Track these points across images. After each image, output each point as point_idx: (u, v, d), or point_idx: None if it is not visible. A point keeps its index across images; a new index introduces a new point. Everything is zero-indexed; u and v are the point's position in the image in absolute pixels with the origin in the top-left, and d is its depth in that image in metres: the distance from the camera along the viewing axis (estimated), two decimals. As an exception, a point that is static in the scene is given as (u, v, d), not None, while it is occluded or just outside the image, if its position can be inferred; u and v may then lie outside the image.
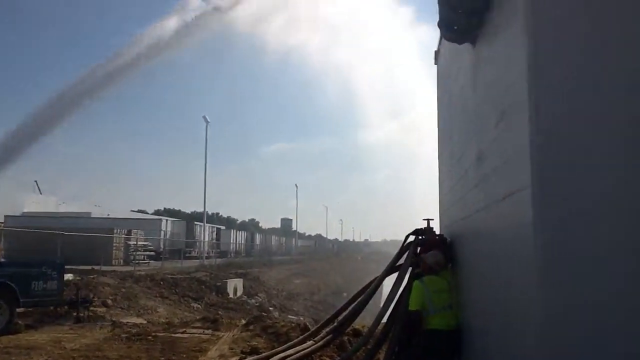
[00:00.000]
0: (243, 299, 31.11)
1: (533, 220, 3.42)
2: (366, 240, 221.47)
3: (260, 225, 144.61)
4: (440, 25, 6.07)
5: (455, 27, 6.04)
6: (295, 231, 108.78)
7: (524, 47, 3.64)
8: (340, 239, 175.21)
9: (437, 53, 11.59)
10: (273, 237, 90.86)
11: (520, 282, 3.87)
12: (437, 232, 9.16)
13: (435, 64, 12.02)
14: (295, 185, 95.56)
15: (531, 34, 3.60)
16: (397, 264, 9.10)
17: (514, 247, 4.01)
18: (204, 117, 48.65)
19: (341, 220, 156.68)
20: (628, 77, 3.42)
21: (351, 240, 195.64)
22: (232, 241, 64.14)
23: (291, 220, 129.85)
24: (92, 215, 52.83)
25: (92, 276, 23.76)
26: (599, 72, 3.47)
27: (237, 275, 35.77)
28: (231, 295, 30.04)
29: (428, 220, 9.00)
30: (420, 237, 8.92)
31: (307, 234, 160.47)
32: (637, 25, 3.44)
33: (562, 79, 3.51)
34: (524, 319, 3.78)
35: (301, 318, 22.85)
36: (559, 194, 3.40)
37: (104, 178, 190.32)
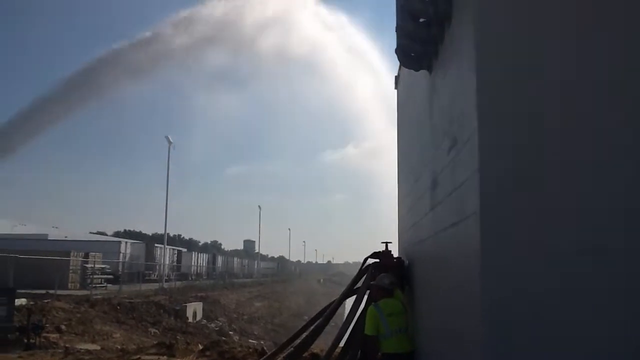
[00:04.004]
0: (202, 323, 30.57)
1: (480, 247, 3.48)
2: (329, 262, 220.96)
3: (222, 247, 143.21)
4: (397, 52, 6.20)
5: (412, 54, 6.17)
6: (258, 253, 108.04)
7: (473, 79, 3.74)
8: (303, 261, 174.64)
9: (397, 78, 11.81)
10: (235, 259, 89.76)
11: (467, 311, 3.91)
12: (396, 255, 9.21)
13: (395, 88, 12.23)
14: (258, 206, 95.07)
15: (480, 68, 3.71)
16: (356, 286, 9.10)
17: (461, 274, 4.08)
18: (167, 138, 48.18)
19: (304, 242, 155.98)
20: (575, 105, 3.55)
21: (314, 262, 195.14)
22: (193, 264, 63.08)
23: (254, 242, 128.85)
24: (49, 238, 51.39)
25: (46, 301, 23.00)
26: (545, 103, 3.59)
27: (197, 299, 35.14)
28: (190, 320, 29.46)
29: (386, 243, 9.05)
30: (378, 260, 8.94)
31: (269, 256, 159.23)
32: (580, 57, 3.59)
33: (509, 111, 3.61)
34: (469, 343, 3.82)
35: (261, 342, 22.55)
36: (505, 222, 3.48)
37: (63, 200, 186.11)
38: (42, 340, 16.58)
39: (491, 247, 3.47)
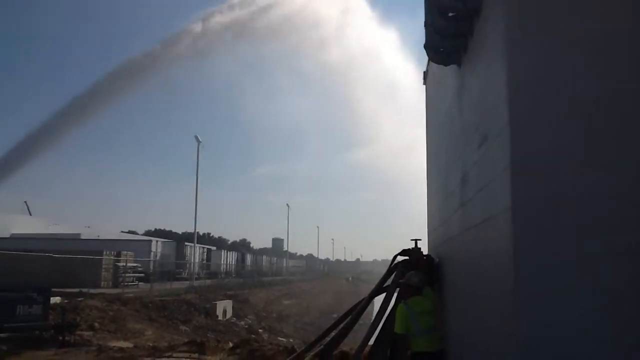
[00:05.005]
0: (232, 321, 30.81)
1: (513, 245, 3.41)
2: (358, 259, 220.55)
3: (251, 245, 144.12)
4: (426, 47, 6.14)
5: (442, 49, 6.11)
6: (287, 251, 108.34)
7: (504, 74, 3.67)
8: (331, 259, 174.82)
9: (425, 74, 11.69)
10: (264, 257, 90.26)
11: (499, 310, 3.84)
12: (425, 253, 9.13)
13: (424, 84, 12.11)
14: (287, 205, 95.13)
15: (510, 62, 3.64)
16: (385, 284, 9.05)
17: (492, 272, 4.01)
18: (196, 137, 48.54)
19: (332, 239, 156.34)
20: (605, 101, 3.45)
21: (342, 259, 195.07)
22: (222, 262, 63.60)
23: (283, 240, 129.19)
24: (82, 237, 52.32)
25: (79, 299, 23.43)
26: (576, 98, 3.50)
27: (227, 297, 35.40)
28: (220, 318, 29.73)
29: (416, 240, 8.97)
30: (407, 258, 8.87)
31: (298, 254, 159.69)
32: (610, 52, 3.49)
33: (540, 105, 3.53)
34: (501, 343, 3.75)
35: (291, 340, 22.61)
36: (537, 219, 3.40)
37: (95, 199, 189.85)
38: (76, 338, 16.91)
39: (523, 245, 3.40)
